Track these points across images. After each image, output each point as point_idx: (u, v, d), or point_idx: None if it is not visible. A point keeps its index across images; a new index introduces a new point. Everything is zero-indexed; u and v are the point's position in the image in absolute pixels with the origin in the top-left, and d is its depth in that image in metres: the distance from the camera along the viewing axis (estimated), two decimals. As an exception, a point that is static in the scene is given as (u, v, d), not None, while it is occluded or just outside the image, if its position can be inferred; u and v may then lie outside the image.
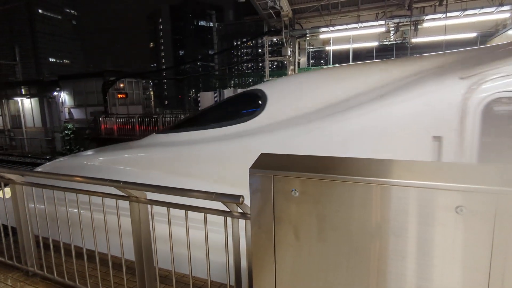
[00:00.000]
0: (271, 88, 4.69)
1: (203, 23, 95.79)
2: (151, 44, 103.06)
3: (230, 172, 3.96)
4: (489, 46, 4.35)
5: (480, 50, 3.85)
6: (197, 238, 2.57)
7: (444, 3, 10.03)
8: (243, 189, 2.07)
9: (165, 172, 4.44)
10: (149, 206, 2.54)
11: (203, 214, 2.28)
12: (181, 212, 2.36)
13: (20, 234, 3.33)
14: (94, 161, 5.03)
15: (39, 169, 5.46)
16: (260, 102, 4.46)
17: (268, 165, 1.62)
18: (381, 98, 3.43)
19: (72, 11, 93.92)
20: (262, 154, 1.81)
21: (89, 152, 5.73)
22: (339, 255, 1.46)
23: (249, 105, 4.67)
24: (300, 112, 4.16)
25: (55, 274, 3.12)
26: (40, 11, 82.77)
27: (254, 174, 1.58)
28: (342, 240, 1.45)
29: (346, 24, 12.31)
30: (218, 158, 4.13)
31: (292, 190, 1.50)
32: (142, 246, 2.59)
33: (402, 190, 1.31)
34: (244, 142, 4.05)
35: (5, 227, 3.57)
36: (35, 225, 3.25)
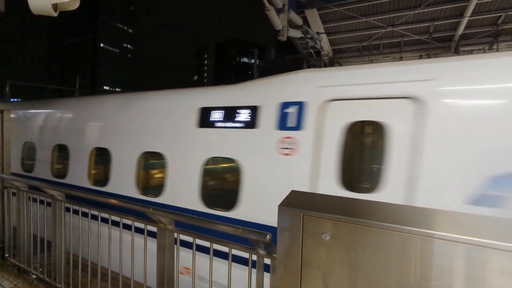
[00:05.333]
0: None
1: (245, 59, 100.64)
2: (195, 77, 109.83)
3: None
4: None
5: None
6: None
7: (495, 47, 9.59)
8: None
9: None
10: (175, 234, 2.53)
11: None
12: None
13: (54, 249, 3.45)
14: None
15: None
16: None
17: (298, 204, 1.54)
18: None
19: (129, 46, 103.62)
20: (292, 191, 1.74)
21: None
22: None
23: None
24: None
25: None
26: (102, 45, 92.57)
27: (283, 212, 1.51)
28: None
29: (387, 65, 12.20)
30: None
31: (322, 233, 1.40)
32: (164, 273, 2.54)
33: (448, 245, 1.17)
34: None
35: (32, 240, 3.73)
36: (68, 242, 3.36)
